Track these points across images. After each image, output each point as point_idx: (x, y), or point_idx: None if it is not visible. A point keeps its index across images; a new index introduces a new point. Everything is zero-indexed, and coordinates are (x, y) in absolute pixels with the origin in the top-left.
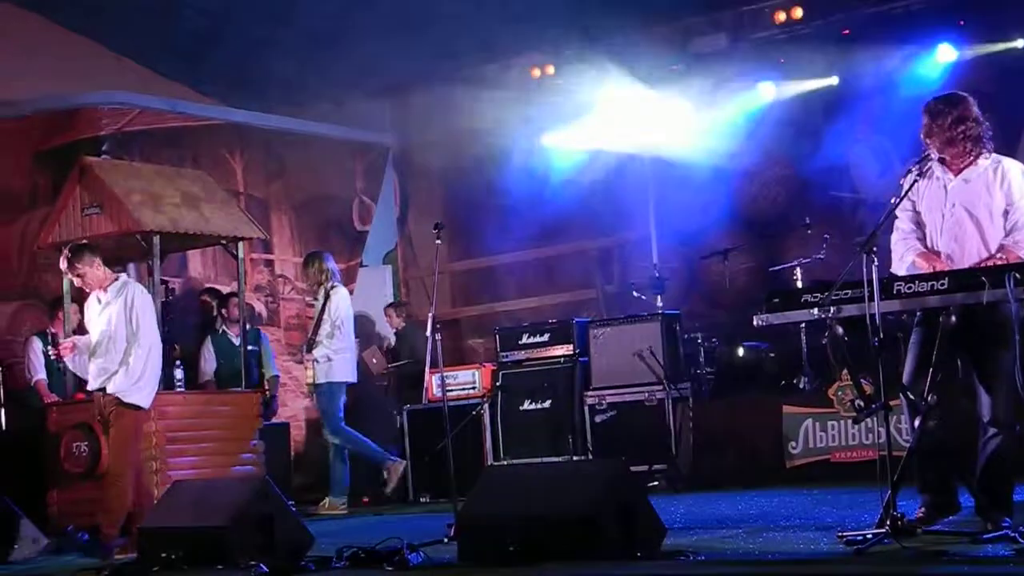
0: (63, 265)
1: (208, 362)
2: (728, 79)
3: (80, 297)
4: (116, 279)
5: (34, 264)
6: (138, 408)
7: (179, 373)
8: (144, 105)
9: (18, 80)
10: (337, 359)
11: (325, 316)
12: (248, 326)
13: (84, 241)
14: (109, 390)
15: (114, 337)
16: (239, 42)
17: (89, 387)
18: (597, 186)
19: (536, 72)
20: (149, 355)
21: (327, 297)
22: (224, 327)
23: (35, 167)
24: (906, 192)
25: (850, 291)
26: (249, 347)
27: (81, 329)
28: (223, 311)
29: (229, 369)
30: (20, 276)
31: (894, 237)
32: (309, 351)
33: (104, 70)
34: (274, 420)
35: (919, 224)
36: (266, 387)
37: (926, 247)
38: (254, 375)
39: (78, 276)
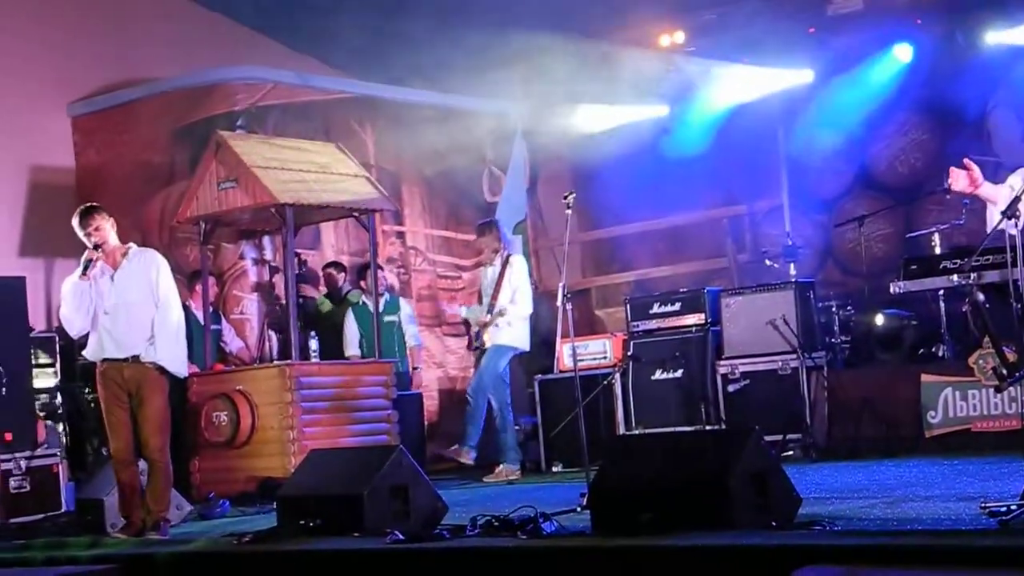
0: (77, 225)
1: (352, 334)
2: (864, 42)
3: (219, 271)
4: (129, 247)
5: (173, 238)
6: (172, 378)
7: (314, 344)
8: (277, 79)
9: (156, 58)
10: (515, 324)
11: (505, 282)
12: (388, 296)
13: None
14: (147, 358)
15: (139, 304)
16: (369, 14)
17: (109, 355)
18: (729, 154)
19: (665, 40)
20: (181, 324)
21: (506, 264)
22: (364, 299)
23: (173, 143)
24: None
25: (991, 257)
26: (389, 318)
27: (216, 304)
28: (362, 283)
29: (372, 340)
30: (160, 250)
31: None
32: (490, 313)
33: (238, 46)
34: (407, 390)
35: None
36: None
37: None
38: (394, 345)
39: (96, 230)
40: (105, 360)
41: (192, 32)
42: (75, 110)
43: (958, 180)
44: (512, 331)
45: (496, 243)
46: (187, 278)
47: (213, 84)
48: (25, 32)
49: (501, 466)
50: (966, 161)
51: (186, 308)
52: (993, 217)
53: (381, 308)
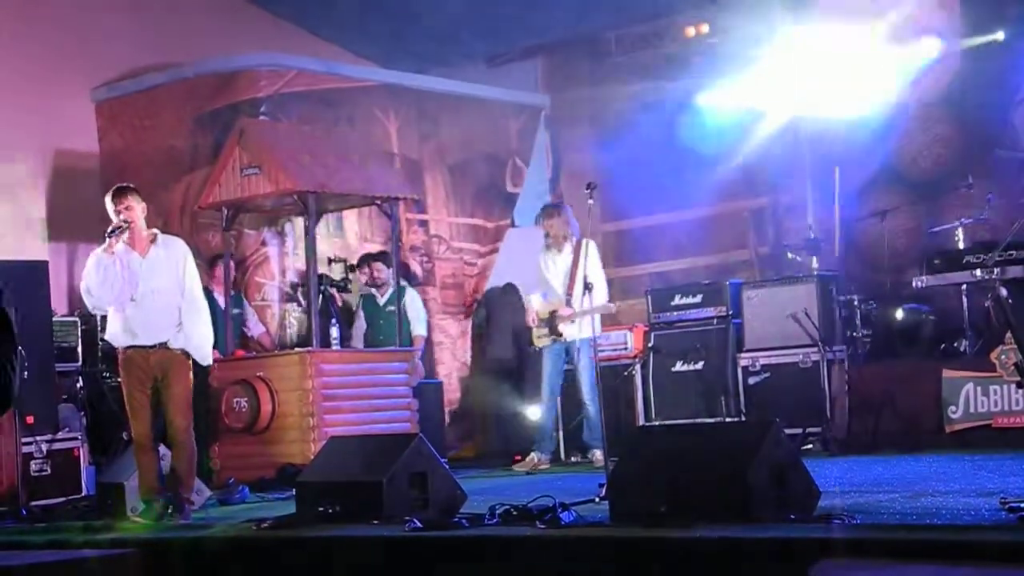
0: (109, 201)
1: (358, 326)
2: (891, 35)
3: (241, 255)
4: (155, 234)
5: (195, 224)
6: (194, 363)
7: (335, 331)
8: (301, 67)
9: (180, 43)
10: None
11: (580, 270)
12: (392, 286)
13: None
14: (176, 344)
15: (166, 291)
16: (394, 3)
17: (137, 341)
18: (751, 146)
19: (690, 31)
20: (207, 311)
21: (579, 249)
22: (372, 289)
23: (196, 129)
24: None
25: (1015, 252)
26: (392, 307)
27: (238, 288)
28: (359, 272)
29: (376, 330)
30: (182, 236)
31: None
32: (569, 306)
33: (262, 32)
34: (428, 378)
35: None
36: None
37: None
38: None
39: (127, 209)
40: (131, 347)
41: (216, 18)
42: (99, 95)
43: None
44: (596, 318)
45: (566, 228)
46: (207, 263)
47: (237, 70)
48: (49, 17)
49: (533, 454)
50: None
51: (207, 292)
52: None
53: (386, 298)
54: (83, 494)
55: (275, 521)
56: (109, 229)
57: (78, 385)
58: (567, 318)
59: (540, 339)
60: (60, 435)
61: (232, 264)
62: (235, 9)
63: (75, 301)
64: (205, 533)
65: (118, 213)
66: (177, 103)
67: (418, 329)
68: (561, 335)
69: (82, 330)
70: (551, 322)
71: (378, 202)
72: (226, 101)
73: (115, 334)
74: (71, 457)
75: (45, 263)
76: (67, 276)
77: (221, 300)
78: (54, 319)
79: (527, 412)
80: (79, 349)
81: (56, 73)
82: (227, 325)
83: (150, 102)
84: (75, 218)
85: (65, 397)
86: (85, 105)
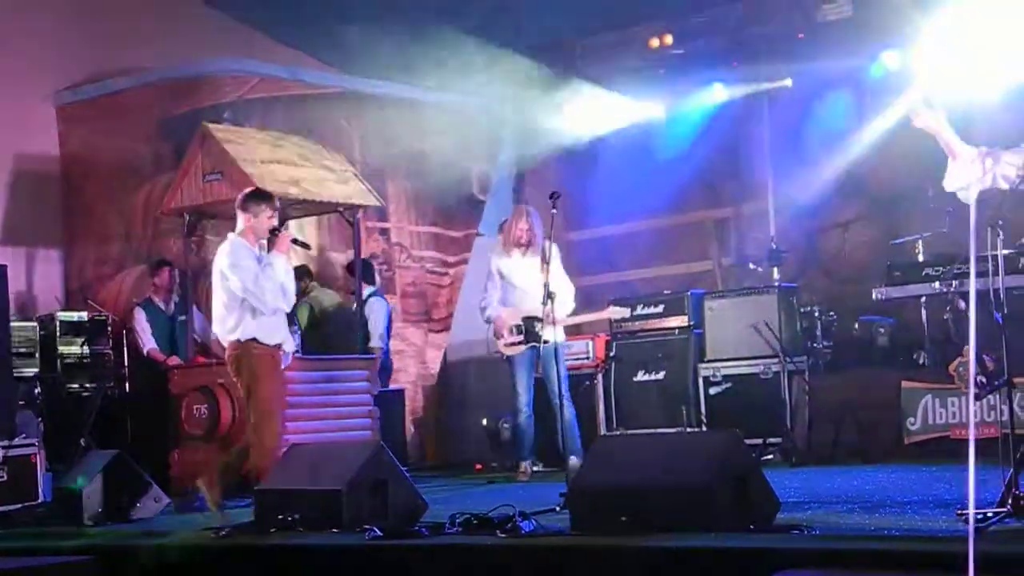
0: (264, 203)
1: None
2: (851, 49)
3: (202, 261)
4: None
5: (157, 230)
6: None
7: (296, 338)
8: (265, 73)
9: (144, 48)
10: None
11: (558, 270)
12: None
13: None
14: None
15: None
16: (358, 10)
17: (285, 343)
18: (714, 157)
19: (655, 42)
20: None
21: (550, 251)
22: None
23: (159, 134)
24: None
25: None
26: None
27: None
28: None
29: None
30: (145, 242)
31: None
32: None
33: (227, 38)
34: (391, 386)
35: None
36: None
37: None
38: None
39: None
40: (279, 345)
41: (180, 23)
42: (61, 99)
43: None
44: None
45: (536, 230)
46: (149, 269)
47: (201, 76)
48: (11, 19)
49: (524, 463)
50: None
51: (148, 301)
52: (952, 174)
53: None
54: (40, 501)
55: (233, 529)
56: (290, 239)
57: (36, 391)
58: (552, 323)
59: (513, 347)
60: (17, 441)
61: (176, 271)
62: (200, 14)
63: (38, 306)
64: (163, 541)
65: (271, 219)
66: (140, 108)
67: (372, 340)
68: (546, 340)
69: (40, 335)
70: (529, 327)
71: (340, 210)
72: (189, 107)
73: (271, 333)
74: (28, 463)
75: (3, 267)
76: (26, 281)
77: (163, 307)
78: (12, 324)
79: (483, 423)
80: (37, 355)
81: (18, 76)
82: (188, 331)
83: (113, 107)
84: (35, 222)
85: (22, 403)
86: (46, 109)
